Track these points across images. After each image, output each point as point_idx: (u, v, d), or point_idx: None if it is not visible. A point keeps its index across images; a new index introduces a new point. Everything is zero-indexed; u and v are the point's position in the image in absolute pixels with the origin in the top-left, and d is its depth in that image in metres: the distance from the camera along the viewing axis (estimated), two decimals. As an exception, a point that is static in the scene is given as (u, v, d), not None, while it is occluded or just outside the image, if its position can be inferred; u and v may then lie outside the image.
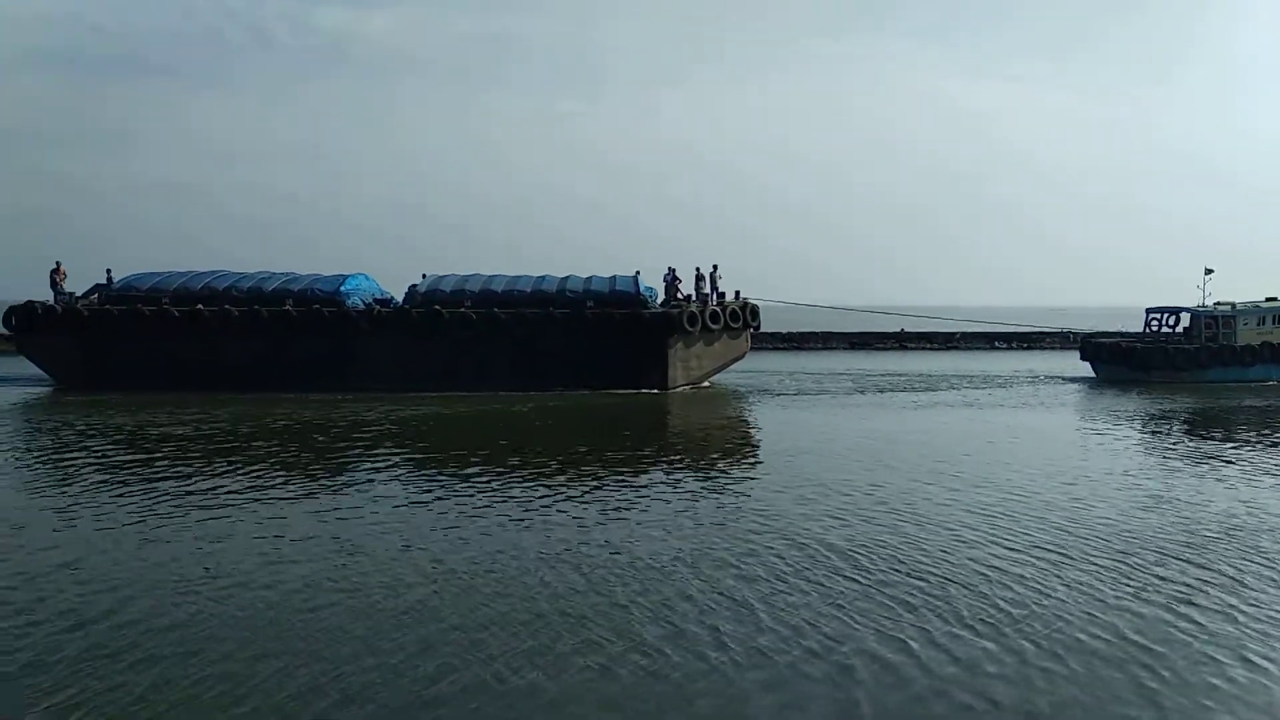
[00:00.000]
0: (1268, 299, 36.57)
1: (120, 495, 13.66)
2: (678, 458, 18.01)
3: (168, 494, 13.65)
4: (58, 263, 30.53)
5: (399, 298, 30.81)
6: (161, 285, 29.60)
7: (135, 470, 15.65)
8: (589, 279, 30.47)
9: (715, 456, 18.33)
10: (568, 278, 30.54)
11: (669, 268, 31.75)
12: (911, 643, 7.93)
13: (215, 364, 27.91)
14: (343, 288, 29.43)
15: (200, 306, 28.65)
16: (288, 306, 28.63)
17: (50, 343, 28.91)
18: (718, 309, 29.82)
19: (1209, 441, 20.46)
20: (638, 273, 30.75)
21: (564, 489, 14.29)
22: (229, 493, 13.76)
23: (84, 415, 22.38)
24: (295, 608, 8.78)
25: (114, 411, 23.07)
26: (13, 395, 27.18)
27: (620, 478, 15.41)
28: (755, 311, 30.76)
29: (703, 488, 14.81)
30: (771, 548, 10.88)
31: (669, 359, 28.89)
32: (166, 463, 16.29)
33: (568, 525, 12.01)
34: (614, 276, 30.55)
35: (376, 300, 30.46)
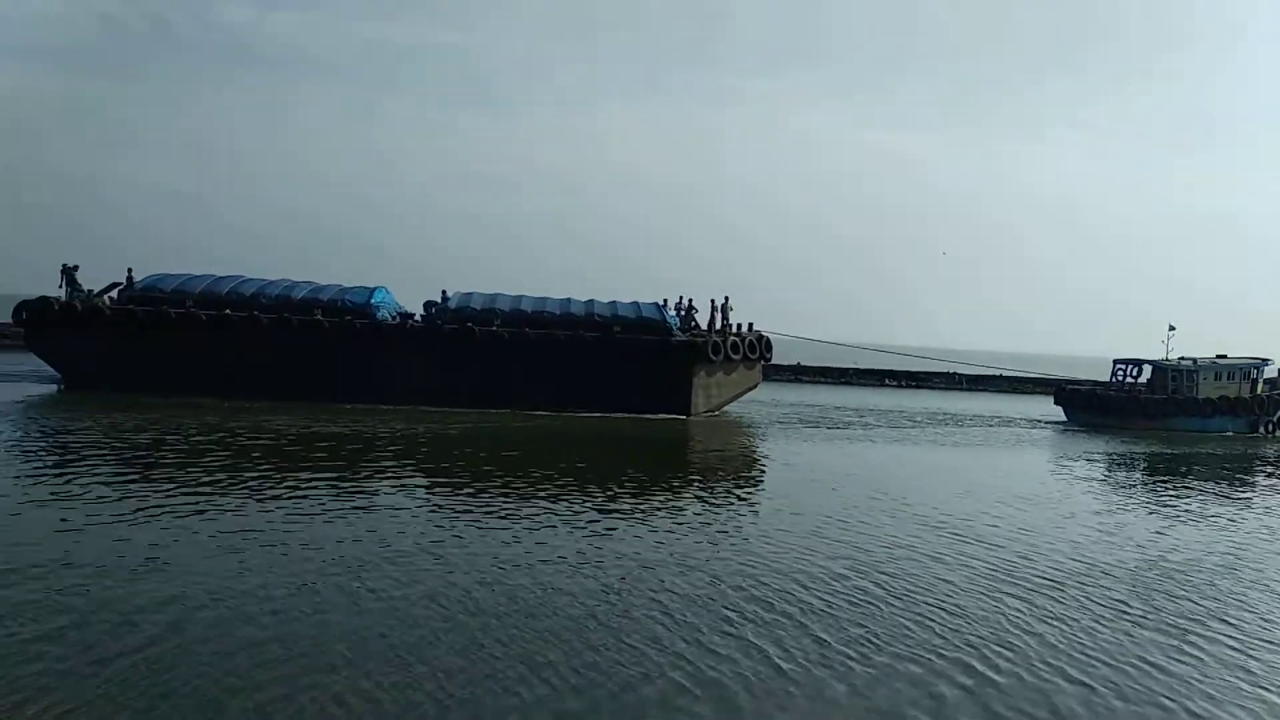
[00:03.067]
0: (1219, 356, 39.50)
1: (169, 501, 13.82)
2: (723, 483, 19.37)
3: (203, 500, 13.70)
4: (65, 263, 29.94)
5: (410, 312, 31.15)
6: (185, 288, 29.36)
7: (174, 474, 15.82)
8: (612, 304, 31.25)
9: (750, 482, 19.78)
10: (591, 301, 31.29)
11: (682, 297, 32.87)
12: (960, 676, 8.56)
13: (241, 371, 27.76)
14: (372, 299, 29.57)
15: (228, 311, 28.44)
16: (318, 315, 28.64)
17: (67, 341, 28.28)
18: (737, 340, 30.92)
19: (1194, 485, 22.56)
20: (665, 300, 31.73)
21: (611, 509, 15.16)
22: (253, 502, 13.86)
23: (110, 416, 22.16)
24: (305, 611, 9.04)
25: (139, 414, 22.88)
26: (24, 392, 26.72)
27: (664, 499, 16.52)
28: (769, 344, 32.00)
29: (749, 511, 16.05)
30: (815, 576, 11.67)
31: (693, 386, 29.82)
32: (197, 469, 16.20)
33: (614, 542, 12.82)
34: (636, 303, 31.40)
35: (400, 314, 30.65)
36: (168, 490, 14.28)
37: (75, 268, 29.68)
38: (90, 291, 29.46)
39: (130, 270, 30.08)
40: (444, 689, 7.57)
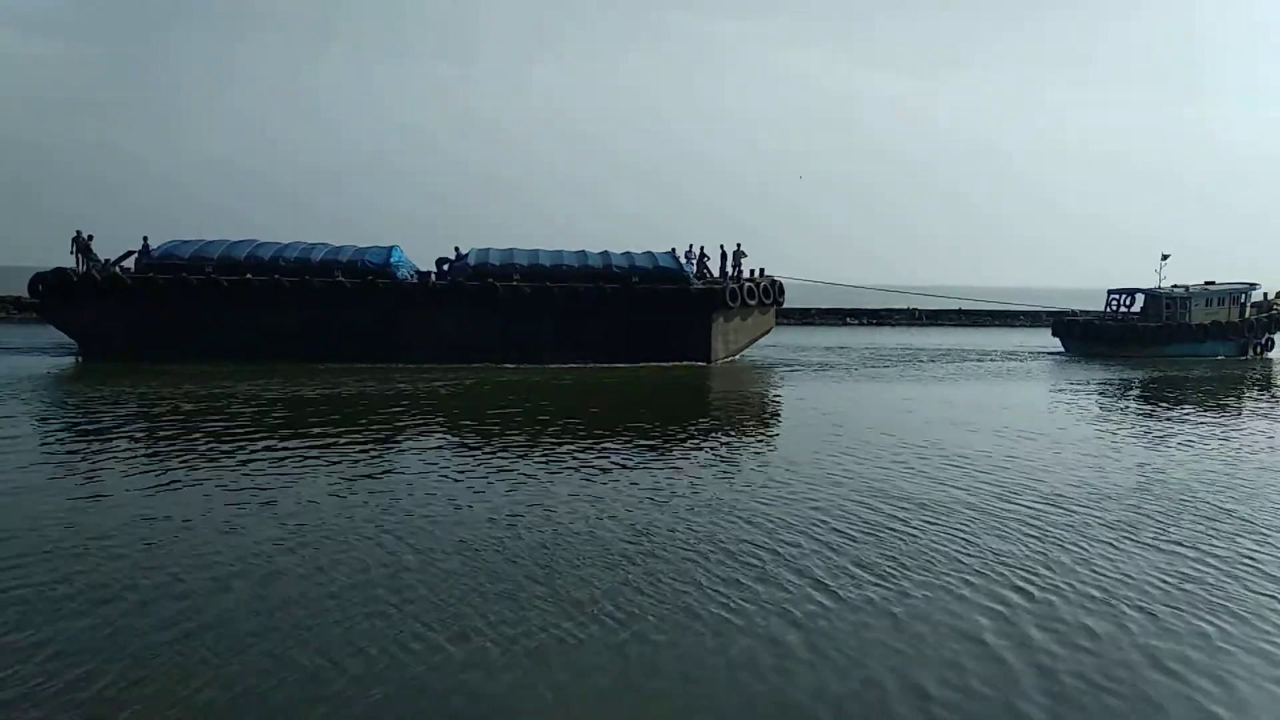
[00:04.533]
0: (1206, 283, 40.65)
1: (216, 466, 14.42)
2: (745, 426, 20.07)
3: (233, 462, 14.11)
4: (79, 231, 29.64)
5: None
6: (203, 253, 29.33)
7: (211, 442, 16.02)
8: (627, 254, 31.51)
9: (770, 423, 20.38)
10: (606, 253, 31.50)
11: (691, 245, 33.19)
12: (995, 604, 9.19)
13: (265, 334, 27.90)
14: (391, 259, 29.68)
15: (249, 276, 28.45)
16: (339, 277, 28.73)
17: (87, 312, 28.18)
18: (752, 285, 31.40)
19: (1188, 408, 23.34)
20: (674, 249, 32.05)
21: (640, 455, 15.61)
22: (283, 463, 14.16)
23: (137, 385, 22.41)
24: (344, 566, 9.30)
25: (167, 382, 23.09)
26: (48, 365, 26.90)
27: (691, 443, 17.01)
28: (782, 289, 32.46)
29: (769, 453, 16.33)
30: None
31: (713, 333, 30.34)
32: (228, 433, 16.48)
33: (646, 484, 13.34)
34: (650, 253, 31.68)
35: (417, 273, 30.79)
36: (200, 455, 14.60)
37: (90, 237, 29.46)
38: (107, 261, 29.29)
39: (145, 238, 30.03)
40: (498, 634, 7.78)
